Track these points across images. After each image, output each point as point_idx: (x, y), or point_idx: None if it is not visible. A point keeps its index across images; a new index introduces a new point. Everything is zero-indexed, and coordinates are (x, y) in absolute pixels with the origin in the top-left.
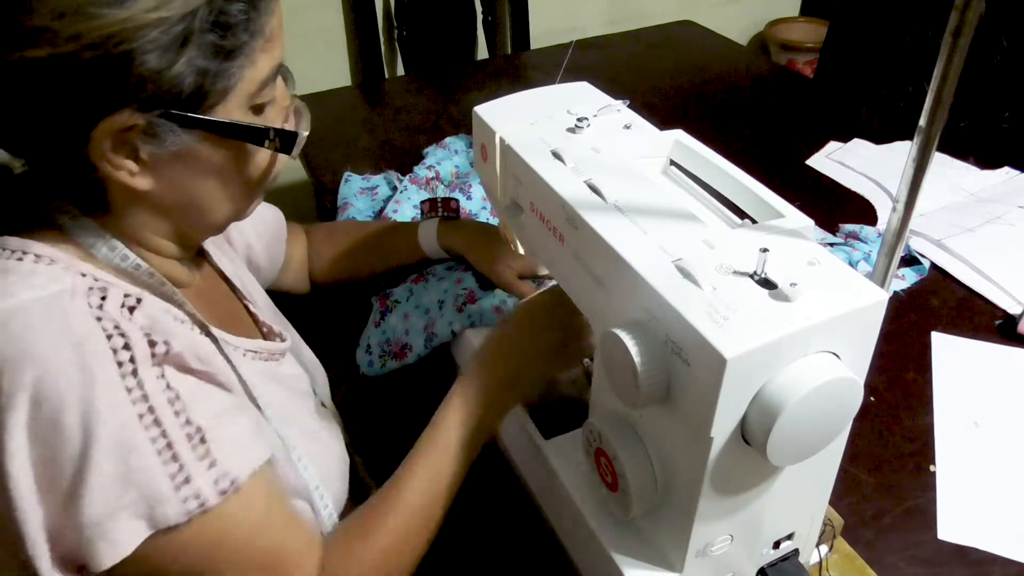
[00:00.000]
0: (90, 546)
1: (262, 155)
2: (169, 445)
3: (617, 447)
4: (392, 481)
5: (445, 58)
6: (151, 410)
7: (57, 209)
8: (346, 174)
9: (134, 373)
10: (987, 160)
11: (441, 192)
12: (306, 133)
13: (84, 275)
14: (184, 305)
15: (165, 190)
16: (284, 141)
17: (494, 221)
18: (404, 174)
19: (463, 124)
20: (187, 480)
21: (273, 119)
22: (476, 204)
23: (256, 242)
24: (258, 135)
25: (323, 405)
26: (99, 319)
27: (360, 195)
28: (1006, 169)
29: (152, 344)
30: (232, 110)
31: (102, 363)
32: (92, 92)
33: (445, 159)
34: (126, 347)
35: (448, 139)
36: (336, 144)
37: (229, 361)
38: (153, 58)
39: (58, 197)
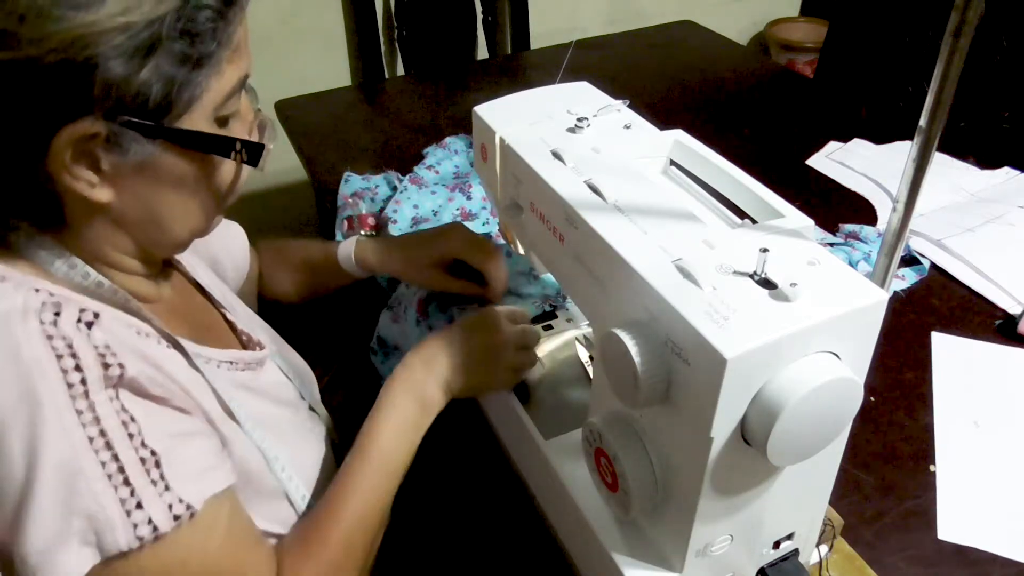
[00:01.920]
0: (37, 574)
1: (227, 168)
2: (121, 469)
3: (617, 447)
4: (331, 492)
5: (445, 58)
6: (102, 433)
7: (10, 228)
8: (346, 174)
9: (85, 395)
10: (987, 160)
11: (362, 208)
12: (271, 146)
13: (38, 291)
14: (152, 321)
15: (126, 203)
16: (250, 153)
17: (494, 221)
18: (404, 174)
19: (463, 124)
20: (139, 505)
21: (238, 132)
22: (476, 204)
23: (223, 256)
24: (224, 146)
25: (311, 409)
26: (50, 337)
27: (360, 195)
28: (1006, 169)
29: (106, 367)
30: (197, 121)
31: (50, 386)
32: (54, 98)
33: (445, 159)
34: (77, 368)
35: (448, 139)
36: (336, 144)
37: (202, 374)
38: (118, 64)
39: (12, 214)
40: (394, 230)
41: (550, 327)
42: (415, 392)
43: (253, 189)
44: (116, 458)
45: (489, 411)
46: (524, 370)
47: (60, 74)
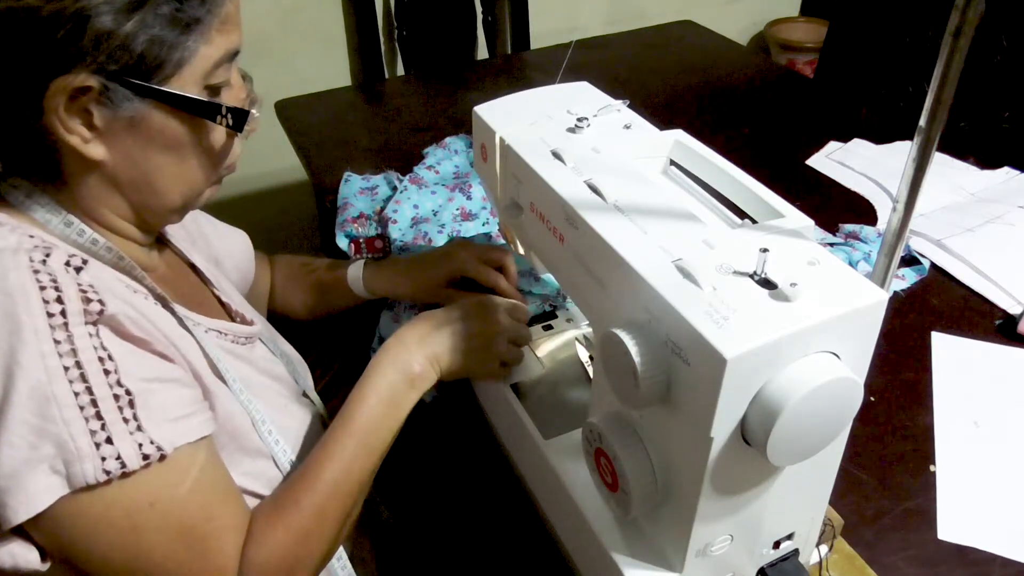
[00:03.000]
0: (3, 498)
1: (216, 133)
2: (94, 403)
3: (617, 447)
4: (309, 459)
5: (445, 58)
6: (78, 365)
7: (11, 186)
8: (346, 174)
9: (65, 327)
10: (987, 160)
11: (372, 230)
12: (256, 113)
13: (32, 236)
14: (143, 279)
15: (118, 162)
16: (236, 119)
17: (494, 221)
18: (404, 174)
19: (463, 124)
20: (108, 440)
21: (228, 102)
22: (476, 204)
23: (225, 258)
24: (210, 109)
25: (305, 395)
26: (36, 272)
27: (360, 195)
28: (1006, 169)
29: (87, 301)
30: (187, 84)
31: (31, 313)
32: (48, 48)
33: (445, 159)
34: (59, 300)
35: (448, 139)
36: (336, 144)
37: (192, 335)
38: (108, 19)
39: (12, 170)
40: (394, 230)
41: (550, 327)
42: (404, 366)
43: (253, 189)
44: (90, 391)
45: (489, 411)
46: (512, 365)
47: (53, 24)
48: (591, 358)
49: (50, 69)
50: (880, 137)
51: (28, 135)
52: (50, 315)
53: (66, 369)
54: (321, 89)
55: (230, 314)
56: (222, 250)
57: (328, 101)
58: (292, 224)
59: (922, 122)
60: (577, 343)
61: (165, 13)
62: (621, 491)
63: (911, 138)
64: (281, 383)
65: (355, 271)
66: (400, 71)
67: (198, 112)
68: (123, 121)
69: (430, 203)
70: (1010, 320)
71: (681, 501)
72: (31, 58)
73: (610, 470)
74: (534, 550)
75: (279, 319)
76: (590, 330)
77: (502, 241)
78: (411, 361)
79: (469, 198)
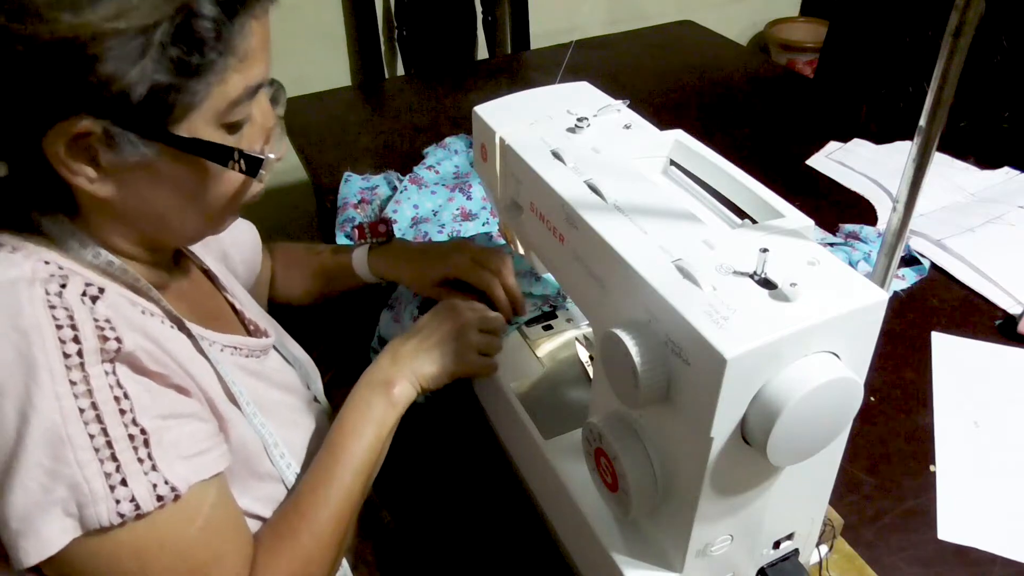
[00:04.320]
0: (16, 540)
1: (228, 176)
2: (109, 444)
3: (617, 447)
4: (303, 488)
5: (445, 58)
6: (94, 406)
7: (32, 208)
8: (346, 174)
9: (81, 366)
10: (987, 160)
11: (371, 214)
12: (275, 157)
13: (47, 263)
14: (159, 302)
15: (128, 200)
16: (249, 164)
17: (494, 221)
18: (404, 174)
19: (463, 124)
20: (123, 482)
21: (251, 138)
22: (476, 204)
23: (233, 252)
24: (221, 154)
25: (316, 400)
26: (52, 307)
27: (360, 195)
28: (1006, 169)
29: (104, 339)
30: (198, 126)
31: (47, 353)
32: (45, 94)
33: (445, 159)
34: (75, 339)
35: (448, 139)
36: (336, 144)
37: (206, 357)
38: (108, 66)
39: (33, 197)
40: (394, 230)
41: (550, 327)
42: (382, 388)
43: None
44: (105, 432)
45: (489, 412)
46: (491, 353)
47: (51, 72)
48: (591, 358)
49: (49, 114)
50: (880, 137)
51: (40, 173)
52: (66, 355)
53: (81, 411)
54: (321, 89)
55: (244, 322)
56: (228, 243)
57: (328, 101)
58: (292, 224)
59: (922, 122)
60: (577, 343)
61: (171, 58)
62: (621, 491)
63: (911, 138)
64: (292, 394)
65: (360, 255)
66: (400, 71)
67: (208, 156)
68: (130, 164)
69: (430, 203)
70: (1010, 320)
71: (681, 501)
72: (29, 102)
73: (610, 470)
74: (534, 550)
75: (281, 317)
76: (590, 330)
77: (502, 241)
78: (389, 384)
79: (469, 198)
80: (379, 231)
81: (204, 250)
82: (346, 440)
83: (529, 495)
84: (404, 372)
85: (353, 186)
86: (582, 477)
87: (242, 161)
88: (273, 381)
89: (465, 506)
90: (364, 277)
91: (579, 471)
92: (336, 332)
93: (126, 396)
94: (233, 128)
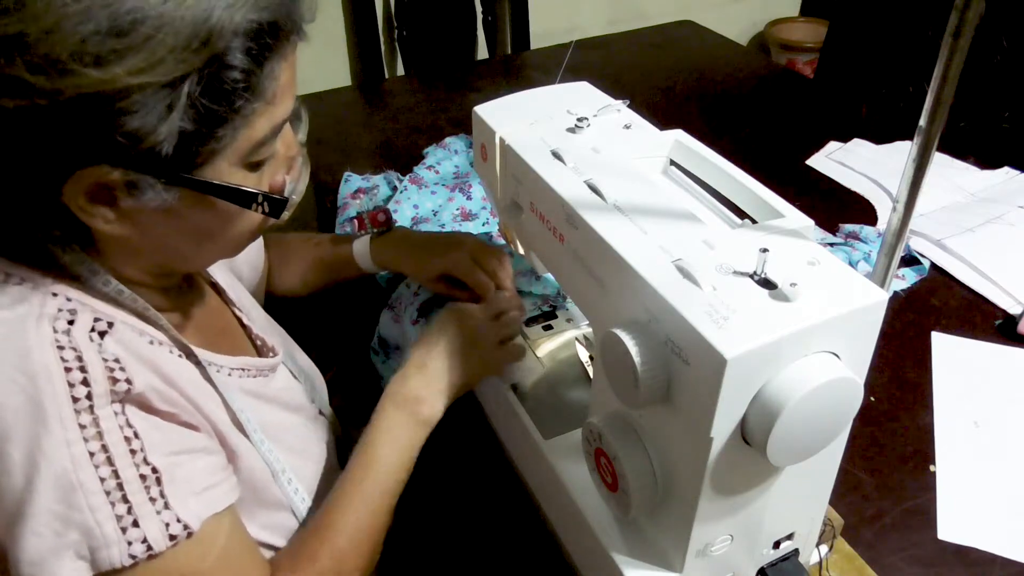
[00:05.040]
0: None
1: (248, 215)
2: (120, 486)
3: (617, 447)
4: (325, 509)
5: (445, 58)
6: (104, 448)
7: (43, 238)
8: (346, 174)
9: (90, 409)
10: (987, 160)
11: (367, 205)
12: (297, 198)
13: (55, 295)
14: (168, 330)
15: (144, 237)
16: (272, 206)
17: (494, 221)
18: (404, 174)
19: (463, 124)
20: (135, 523)
21: (272, 173)
22: (476, 204)
23: (241, 256)
24: (245, 198)
25: (320, 413)
26: (61, 348)
27: (360, 195)
28: (1006, 169)
29: (114, 381)
30: (222, 170)
31: (56, 397)
32: (68, 145)
33: (445, 159)
34: (85, 382)
35: (448, 139)
36: (336, 144)
37: (213, 386)
38: (135, 120)
39: (46, 230)
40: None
41: (550, 327)
42: (410, 407)
43: None
44: (116, 474)
45: (489, 412)
46: (512, 336)
47: (74, 124)
48: (591, 358)
49: (70, 164)
50: (880, 137)
51: (55, 210)
52: (75, 399)
53: (92, 454)
54: (321, 89)
55: (251, 338)
56: None
57: (328, 101)
58: (292, 224)
59: (922, 122)
60: (577, 343)
61: (198, 108)
62: (621, 491)
63: (911, 138)
64: (299, 413)
65: (361, 246)
66: (400, 71)
67: (232, 200)
68: (150, 207)
69: (430, 203)
70: (1010, 320)
71: (681, 501)
72: (50, 153)
73: (610, 470)
74: (534, 550)
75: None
76: (590, 330)
77: (502, 241)
78: (418, 402)
79: (469, 198)
80: (378, 220)
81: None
82: (372, 463)
83: (529, 495)
84: (434, 390)
85: (353, 186)
86: (582, 477)
87: (265, 204)
88: (280, 402)
89: (465, 506)
90: (365, 267)
91: (579, 471)
92: (336, 332)
93: (136, 436)
94: (255, 166)
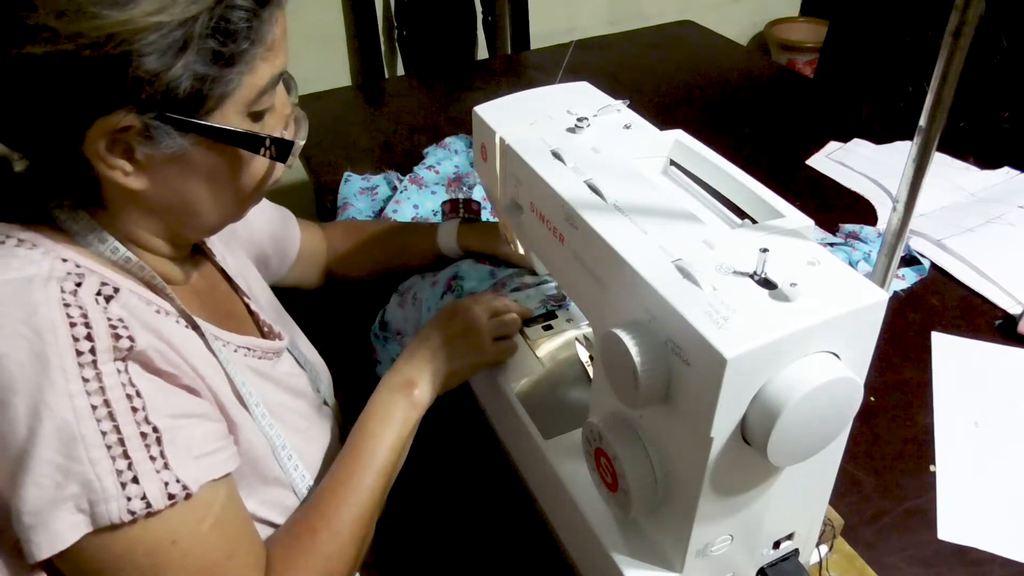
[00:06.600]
0: (28, 534)
1: (258, 162)
2: (120, 441)
3: (617, 447)
4: (323, 488)
5: (445, 58)
6: (106, 403)
7: (53, 203)
8: (346, 174)
9: (93, 364)
10: (987, 160)
11: (459, 194)
12: (302, 142)
13: (65, 260)
14: (173, 300)
15: (159, 191)
16: (279, 149)
17: (494, 221)
18: (404, 174)
19: (463, 124)
20: (135, 479)
21: (272, 126)
22: None
23: (268, 243)
24: (254, 142)
25: (325, 403)
26: (67, 305)
27: (360, 195)
28: (1006, 169)
29: (116, 338)
30: (230, 116)
31: (60, 351)
32: (89, 91)
33: (445, 159)
34: (88, 337)
35: (448, 139)
36: (336, 144)
37: (217, 358)
38: (151, 60)
39: (55, 193)
40: None
41: (550, 327)
42: (402, 390)
43: None
44: (117, 429)
45: (489, 412)
46: (508, 333)
47: (95, 68)
48: (591, 358)
49: (91, 111)
50: (880, 137)
51: (71, 167)
52: (79, 352)
53: (94, 408)
54: (321, 89)
55: (258, 324)
56: (264, 233)
57: (328, 101)
58: None
59: (922, 122)
60: (577, 343)
61: (209, 49)
62: (621, 491)
63: (911, 138)
64: (303, 399)
65: (448, 229)
66: (400, 71)
67: (241, 144)
68: (164, 156)
69: (430, 203)
70: (1010, 320)
71: (681, 501)
72: (73, 101)
73: (610, 470)
74: (534, 550)
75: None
76: (590, 330)
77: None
78: (411, 385)
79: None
80: (472, 208)
81: (226, 249)
82: (367, 441)
83: (529, 495)
84: (424, 373)
85: (353, 186)
86: (582, 477)
87: (272, 147)
88: (284, 385)
89: (465, 506)
90: (447, 250)
91: (579, 471)
92: (341, 324)
93: (138, 394)
94: (258, 117)
